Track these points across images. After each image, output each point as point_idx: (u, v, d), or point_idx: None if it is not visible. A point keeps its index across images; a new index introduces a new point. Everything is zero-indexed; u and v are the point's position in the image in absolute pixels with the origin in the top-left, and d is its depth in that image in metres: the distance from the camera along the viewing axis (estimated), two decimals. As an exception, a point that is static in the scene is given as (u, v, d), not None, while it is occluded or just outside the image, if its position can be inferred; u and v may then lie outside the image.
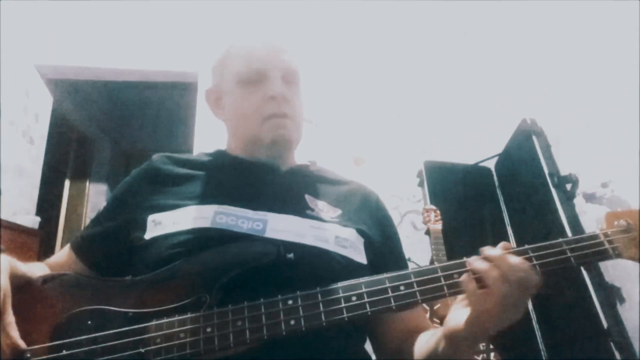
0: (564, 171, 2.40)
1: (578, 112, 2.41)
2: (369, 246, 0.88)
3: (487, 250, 0.68)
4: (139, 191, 0.91)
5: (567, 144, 2.47)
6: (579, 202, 2.31)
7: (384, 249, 0.91)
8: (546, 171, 2.39)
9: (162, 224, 0.82)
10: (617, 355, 1.89)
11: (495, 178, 3.02)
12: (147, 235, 0.82)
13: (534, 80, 2.82)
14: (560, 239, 0.70)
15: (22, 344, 0.67)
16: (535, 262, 0.68)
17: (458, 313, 0.68)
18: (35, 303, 0.73)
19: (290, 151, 0.99)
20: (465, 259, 0.70)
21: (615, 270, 2.08)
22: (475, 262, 0.67)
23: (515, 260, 0.65)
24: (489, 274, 0.65)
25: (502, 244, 0.70)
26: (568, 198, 2.32)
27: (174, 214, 0.83)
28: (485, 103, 3.27)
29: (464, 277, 0.66)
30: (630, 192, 1.99)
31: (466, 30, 3.39)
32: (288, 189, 0.92)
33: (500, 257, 0.65)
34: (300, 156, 1.06)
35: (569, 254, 0.69)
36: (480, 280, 0.66)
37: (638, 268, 1.88)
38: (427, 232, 2.42)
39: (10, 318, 0.67)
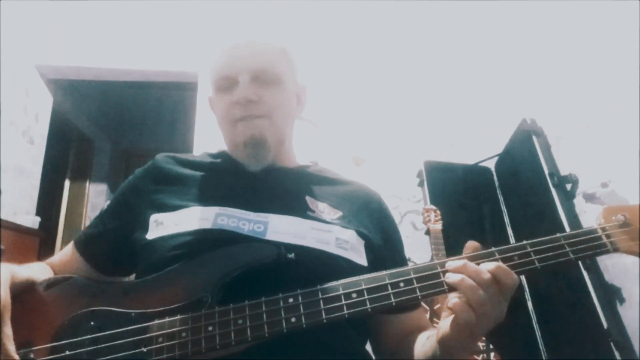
0: (564, 171, 2.40)
1: (578, 112, 2.41)
2: (370, 248, 0.88)
3: (452, 263, 0.68)
4: (142, 190, 0.92)
5: (567, 144, 2.47)
6: (579, 202, 2.31)
7: (384, 251, 0.91)
8: (546, 171, 2.39)
9: (164, 224, 0.83)
10: (617, 355, 1.89)
11: (495, 178, 3.02)
12: (150, 236, 0.83)
13: (534, 80, 2.83)
14: (559, 234, 0.71)
15: (17, 357, 0.66)
16: (534, 256, 0.69)
17: (447, 322, 0.69)
18: (39, 307, 0.74)
19: (267, 150, 0.94)
20: (463, 254, 0.70)
21: (615, 270, 2.08)
22: (449, 278, 0.67)
23: (487, 266, 0.66)
24: (464, 286, 0.65)
25: (468, 244, 0.71)
26: (568, 198, 2.33)
27: (176, 215, 0.83)
28: (485, 103, 3.27)
29: (452, 302, 0.66)
30: (630, 192, 1.99)
31: (466, 30, 3.39)
32: (289, 191, 0.92)
33: (470, 269, 0.66)
34: (301, 156, 1.06)
35: (567, 249, 0.69)
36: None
37: (638, 268, 1.89)
38: (427, 232, 2.42)
39: (7, 331, 0.67)
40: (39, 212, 3.53)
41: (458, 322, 0.65)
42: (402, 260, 0.97)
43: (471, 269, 0.65)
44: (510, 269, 0.67)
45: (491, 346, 2.50)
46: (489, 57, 3.25)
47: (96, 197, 5.25)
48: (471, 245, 0.71)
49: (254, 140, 0.91)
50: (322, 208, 0.89)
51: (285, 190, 0.92)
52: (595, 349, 2.01)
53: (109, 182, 5.38)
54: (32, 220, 3.32)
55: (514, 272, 0.67)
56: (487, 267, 0.65)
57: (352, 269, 0.81)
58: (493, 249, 0.70)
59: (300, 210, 0.86)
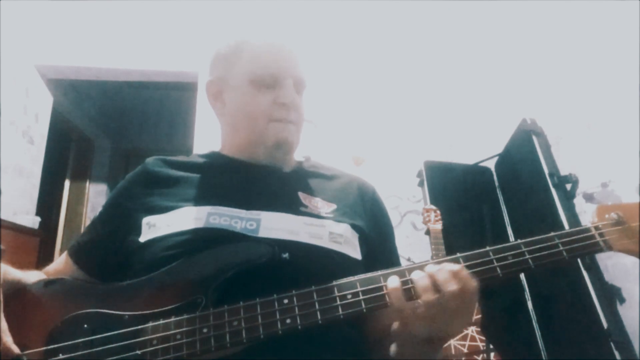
0: (564, 171, 2.39)
1: (578, 112, 2.41)
2: (364, 240, 0.88)
3: (428, 267, 0.69)
4: (134, 194, 0.91)
5: (567, 144, 2.47)
6: (579, 202, 2.31)
7: (377, 243, 0.92)
8: (546, 171, 2.39)
9: (156, 226, 0.83)
10: (617, 355, 1.89)
11: (495, 178, 3.02)
12: (142, 238, 0.83)
13: (534, 80, 2.82)
14: (552, 233, 0.71)
15: (15, 349, 0.66)
16: (527, 256, 0.69)
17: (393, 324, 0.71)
18: (30, 308, 0.73)
19: (291, 155, 0.99)
20: (458, 254, 0.71)
21: (615, 270, 2.08)
22: (412, 273, 0.69)
23: (451, 268, 0.67)
24: (419, 283, 0.67)
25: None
26: (568, 198, 2.32)
27: (167, 216, 0.83)
28: (485, 103, 3.26)
29: (391, 285, 0.68)
30: (630, 192, 1.99)
31: (466, 31, 3.38)
32: (281, 187, 0.92)
33: (433, 270, 0.68)
34: (297, 155, 1.06)
35: (561, 248, 0.70)
36: (411, 290, 0.68)
37: (638, 268, 1.89)
38: (427, 232, 2.42)
39: (3, 324, 0.67)
40: (39, 212, 3.53)
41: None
42: (393, 254, 0.97)
43: (438, 274, 0.67)
44: (476, 275, 0.68)
45: (491, 346, 2.50)
46: (488, 57, 3.25)
47: (96, 197, 5.25)
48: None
49: (287, 143, 0.93)
50: (316, 203, 0.89)
51: (278, 186, 0.92)
52: (595, 349, 2.01)
53: (109, 182, 5.38)
54: (32, 220, 3.32)
55: (507, 270, 0.69)
56: (452, 270, 0.67)
57: (346, 263, 0.81)
58: (487, 248, 0.71)
59: (293, 206, 0.86)
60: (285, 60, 0.94)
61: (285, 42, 0.97)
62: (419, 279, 0.67)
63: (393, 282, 0.68)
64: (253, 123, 0.93)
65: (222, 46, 1.00)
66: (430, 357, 0.70)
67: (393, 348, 0.73)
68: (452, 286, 0.65)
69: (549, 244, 0.70)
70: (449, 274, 0.66)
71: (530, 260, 0.69)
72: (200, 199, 0.86)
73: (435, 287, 0.66)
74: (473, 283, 0.67)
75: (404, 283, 0.68)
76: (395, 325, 0.70)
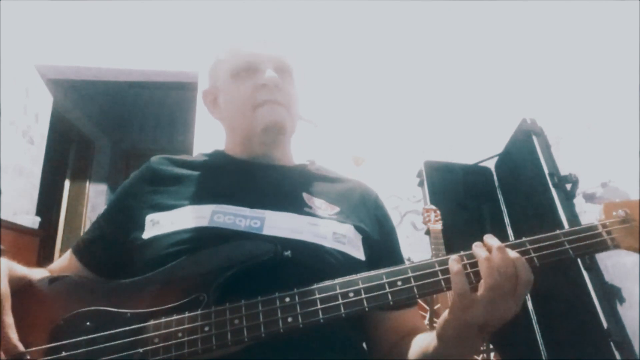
0: (564, 171, 2.39)
1: (578, 112, 2.41)
2: (367, 243, 0.88)
3: (488, 239, 0.68)
4: (138, 192, 0.91)
5: (567, 144, 2.47)
6: (579, 202, 2.31)
7: (381, 246, 0.91)
8: (546, 171, 2.39)
9: (160, 223, 0.82)
10: (617, 355, 1.89)
11: (495, 178, 3.02)
12: (146, 235, 0.82)
13: (534, 80, 2.82)
14: (558, 231, 0.69)
15: (20, 345, 0.66)
16: (533, 254, 0.68)
17: (447, 310, 0.69)
18: (34, 305, 0.73)
19: (285, 139, 0.99)
20: (462, 252, 0.69)
21: (615, 270, 2.08)
22: (475, 248, 0.68)
23: (512, 254, 0.66)
24: (483, 263, 0.65)
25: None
26: (568, 198, 2.32)
27: (172, 214, 0.83)
28: (485, 103, 3.27)
29: (454, 269, 0.66)
30: (630, 192, 1.99)
31: (466, 30, 3.39)
32: (285, 187, 0.92)
33: (498, 248, 0.66)
34: (300, 156, 1.06)
35: (567, 246, 0.68)
36: (470, 275, 0.67)
37: (638, 268, 1.89)
38: (427, 232, 2.42)
39: (9, 320, 0.67)
40: (39, 212, 3.53)
41: (457, 292, 0.65)
42: (398, 257, 0.97)
43: (499, 255, 0.65)
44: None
45: (491, 346, 2.50)
46: (488, 57, 3.25)
47: (96, 197, 5.25)
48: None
49: (276, 126, 0.92)
50: (319, 204, 0.89)
51: (282, 186, 0.92)
52: (595, 349, 2.01)
53: (109, 182, 5.38)
54: (32, 220, 3.32)
55: None
56: (511, 256, 0.65)
57: (349, 262, 0.81)
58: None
59: (297, 206, 0.86)
60: (261, 48, 0.96)
61: (262, 33, 0.99)
62: (482, 261, 0.66)
63: (456, 266, 0.66)
64: (242, 114, 0.94)
65: (212, 58, 1.03)
66: (477, 347, 0.68)
67: (441, 338, 0.70)
68: (511, 269, 0.64)
69: (555, 241, 0.68)
70: (508, 257, 0.65)
71: (535, 259, 0.67)
72: (205, 197, 0.86)
73: (497, 269, 0.64)
74: (528, 267, 0.65)
75: (464, 267, 0.67)
76: (450, 313, 0.67)
